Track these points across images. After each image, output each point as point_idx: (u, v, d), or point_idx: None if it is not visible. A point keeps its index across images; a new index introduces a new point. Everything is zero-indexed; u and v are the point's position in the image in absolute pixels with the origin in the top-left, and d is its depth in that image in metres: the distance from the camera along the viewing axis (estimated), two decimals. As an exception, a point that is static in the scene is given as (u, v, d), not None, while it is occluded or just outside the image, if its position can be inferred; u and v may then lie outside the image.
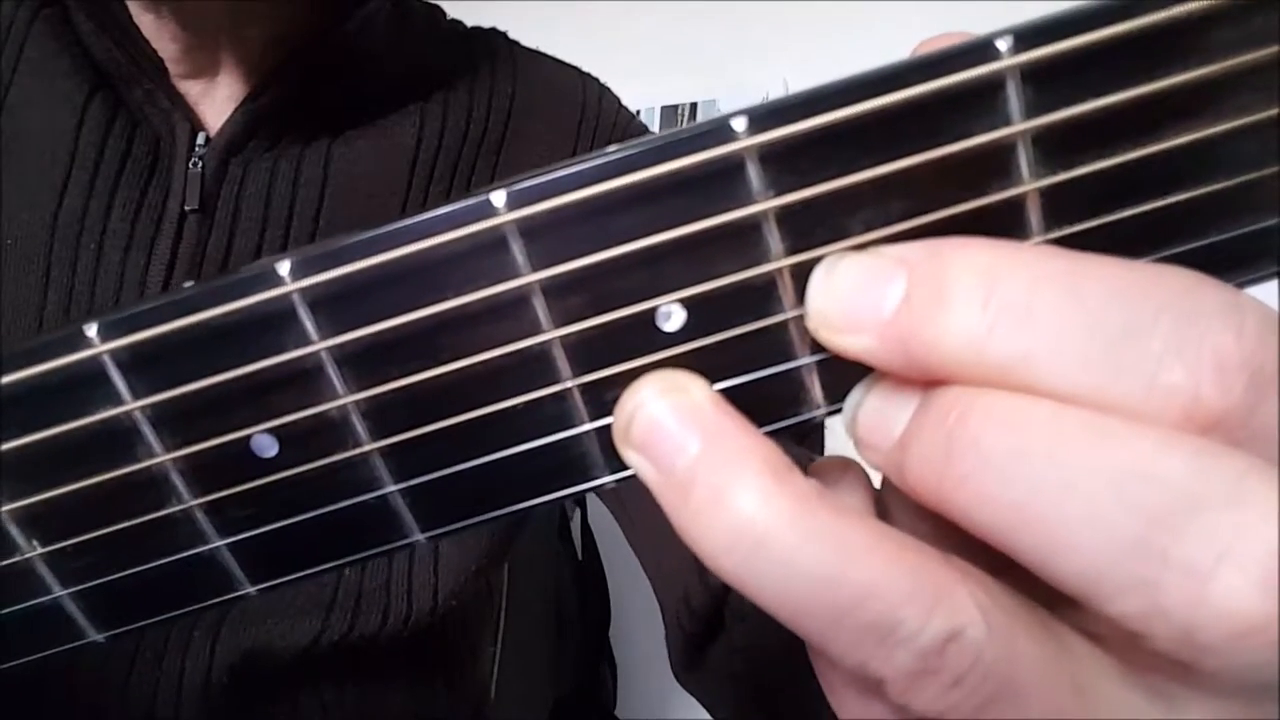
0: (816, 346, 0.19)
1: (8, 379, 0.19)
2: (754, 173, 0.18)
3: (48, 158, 0.47)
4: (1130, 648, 0.17)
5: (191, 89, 0.50)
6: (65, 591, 0.21)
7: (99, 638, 0.21)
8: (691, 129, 0.18)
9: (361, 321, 0.18)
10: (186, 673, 0.47)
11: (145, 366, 0.19)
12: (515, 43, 0.62)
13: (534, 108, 0.58)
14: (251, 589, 0.21)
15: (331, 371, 0.19)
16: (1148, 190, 0.18)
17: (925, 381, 0.18)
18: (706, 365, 0.19)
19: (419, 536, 0.20)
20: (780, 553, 0.17)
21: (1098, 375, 0.16)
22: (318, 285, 0.18)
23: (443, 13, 0.60)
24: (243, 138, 0.49)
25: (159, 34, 0.48)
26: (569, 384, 0.19)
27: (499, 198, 0.18)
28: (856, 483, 0.21)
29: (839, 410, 0.20)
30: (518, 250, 0.18)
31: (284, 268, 0.18)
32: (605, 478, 0.20)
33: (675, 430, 0.18)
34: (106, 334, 0.18)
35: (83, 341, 0.18)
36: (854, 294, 0.18)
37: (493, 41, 0.61)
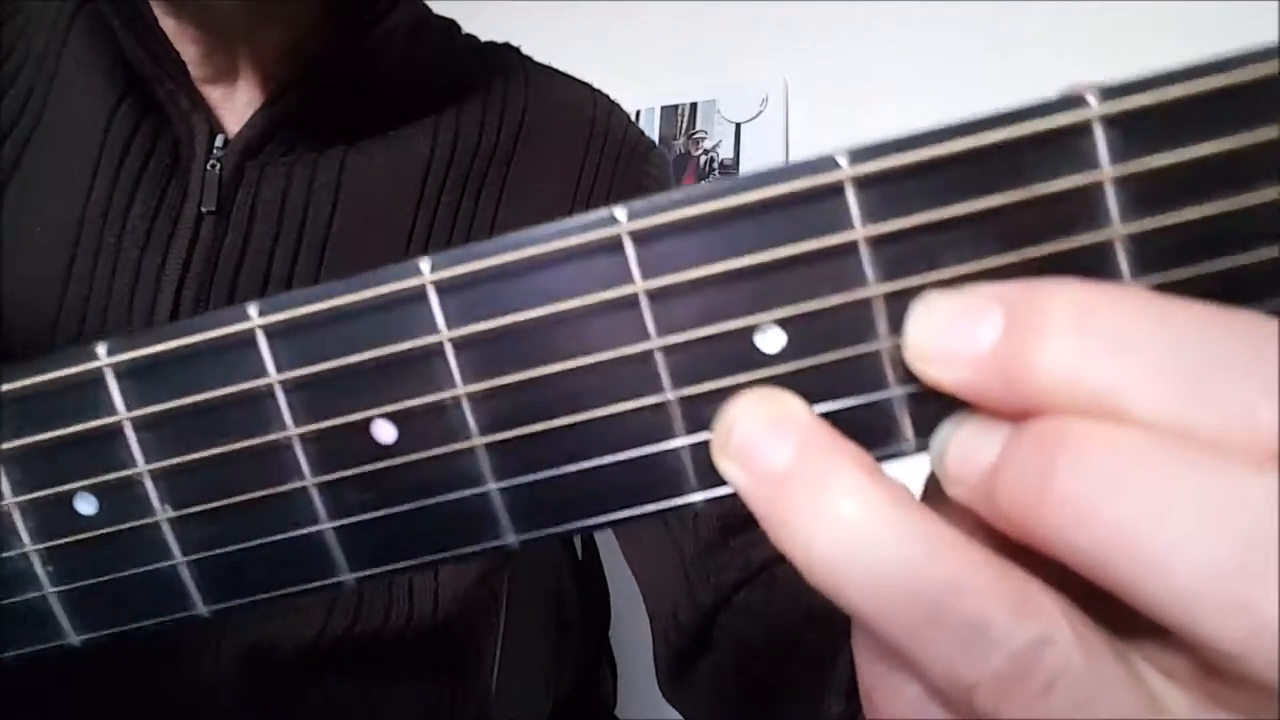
0: (909, 379, 0.20)
1: (169, 345, 0.21)
2: (853, 201, 0.19)
3: (79, 150, 0.49)
4: (1202, 682, 0.17)
5: (211, 93, 0.52)
6: (185, 559, 0.22)
7: (204, 611, 0.22)
8: (799, 162, 0.19)
9: (483, 315, 0.20)
10: (197, 668, 0.47)
11: (289, 339, 0.21)
12: (528, 58, 0.64)
13: (545, 124, 0.59)
14: (350, 576, 0.22)
15: (452, 361, 0.20)
16: (1237, 243, 0.18)
17: (1014, 417, 0.18)
18: (802, 389, 0.20)
19: (512, 539, 0.21)
20: (877, 552, 0.17)
21: (1189, 407, 0.16)
22: (452, 277, 0.20)
23: (458, 27, 0.62)
24: (260, 141, 0.50)
25: (180, 36, 0.50)
26: (669, 396, 0.20)
27: (621, 212, 0.20)
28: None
29: (925, 448, 0.20)
30: (631, 258, 0.20)
31: (425, 264, 0.20)
32: (696, 495, 0.21)
33: (771, 438, 0.19)
34: (264, 310, 0.21)
35: (242, 316, 0.21)
36: (951, 328, 0.19)
37: (506, 57, 0.62)
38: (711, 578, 0.53)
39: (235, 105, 0.52)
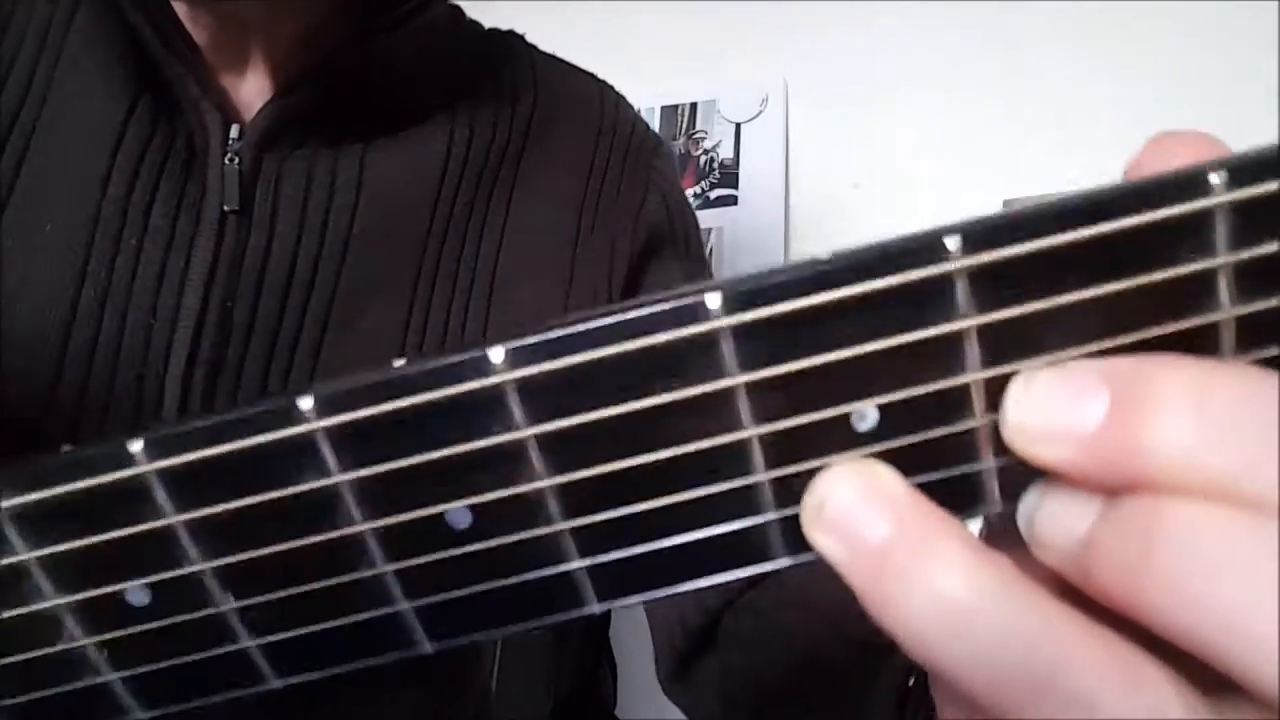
0: (1000, 450, 0.19)
1: (226, 448, 0.19)
2: (961, 291, 0.18)
3: (92, 143, 0.46)
4: None
5: (221, 82, 0.50)
6: (254, 643, 0.21)
7: (278, 684, 0.22)
8: (905, 241, 0.18)
9: (567, 410, 0.19)
10: None
11: (354, 442, 0.19)
12: (533, 47, 0.62)
13: (553, 118, 0.58)
14: (431, 647, 0.22)
15: (534, 455, 0.19)
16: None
17: (1109, 491, 0.18)
18: (894, 462, 0.20)
19: (595, 608, 0.21)
20: (983, 626, 0.18)
21: None
22: (529, 376, 0.19)
23: (461, 12, 0.59)
24: (275, 132, 0.48)
25: (192, 21, 0.48)
26: (761, 478, 0.20)
27: (714, 299, 0.18)
28: None
29: (1011, 511, 0.20)
30: (728, 351, 0.19)
31: (497, 355, 0.19)
32: (781, 560, 0.21)
33: (868, 510, 0.19)
34: (321, 410, 0.19)
35: (298, 415, 0.19)
36: (1055, 405, 0.18)
37: (511, 45, 0.61)
38: None
39: (245, 95, 0.50)
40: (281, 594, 0.21)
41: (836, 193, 1.39)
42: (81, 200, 0.45)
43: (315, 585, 0.21)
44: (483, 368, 0.19)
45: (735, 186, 1.43)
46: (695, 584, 0.21)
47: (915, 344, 0.19)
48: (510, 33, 0.62)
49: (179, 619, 0.21)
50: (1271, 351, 0.19)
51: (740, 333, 0.18)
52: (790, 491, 0.20)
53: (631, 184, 0.59)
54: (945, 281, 0.18)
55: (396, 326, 0.50)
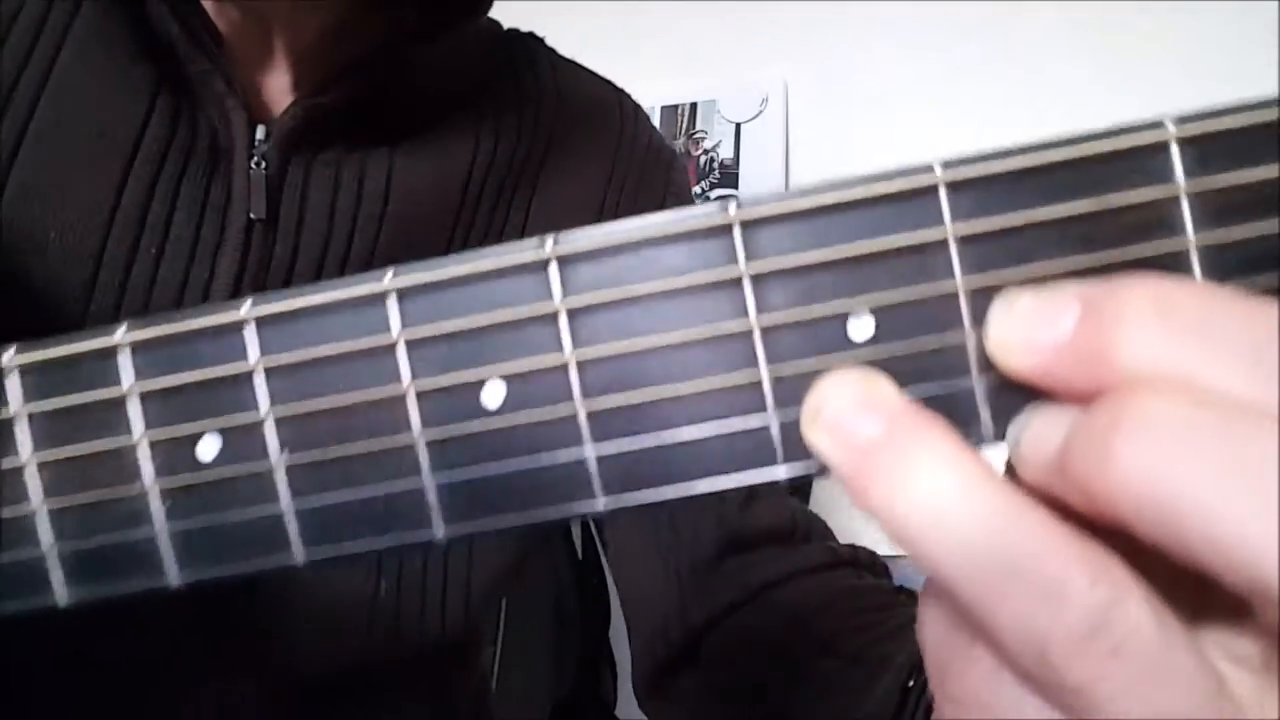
0: (990, 370, 0.21)
1: (310, 300, 0.23)
2: (945, 201, 0.21)
3: (105, 146, 0.44)
4: (1270, 670, 0.18)
5: (242, 76, 0.48)
6: (294, 507, 0.23)
7: (300, 561, 0.24)
8: (897, 168, 0.21)
9: (594, 285, 0.22)
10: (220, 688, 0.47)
11: (411, 305, 0.23)
12: (553, 51, 0.62)
13: (573, 126, 0.58)
14: (441, 533, 0.23)
15: (564, 329, 0.22)
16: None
17: (1083, 397, 0.19)
18: (888, 371, 0.21)
19: (601, 503, 0.22)
20: (963, 515, 0.19)
21: (1261, 386, 0.17)
22: (569, 252, 0.22)
23: None
24: (302, 134, 0.47)
25: (215, 13, 0.46)
26: (764, 374, 0.22)
27: (732, 204, 0.22)
28: None
29: (1002, 437, 0.21)
30: (739, 242, 0.22)
31: (549, 241, 0.22)
32: (781, 468, 0.22)
33: (862, 411, 0.20)
34: (396, 275, 0.23)
35: (376, 279, 0.23)
36: (1033, 319, 0.20)
37: (534, 49, 0.61)
38: (705, 597, 0.53)
39: (268, 95, 0.49)
40: (327, 453, 0.23)
41: (836, 193, 1.36)
42: (94, 206, 0.43)
43: (356, 447, 0.23)
44: (528, 248, 0.22)
45: (735, 186, 1.40)
46: (700, 484, 0.22)
47: (904, 251, 0.21)
48: (530, 35, 0.63)
49: (237, 474, 0.24)
50: (1244, 283, 0.20)
51: (747, 225, 0.22)
52: (790, 397, 0.22)
53: (648, 196, 0.60)
54: (929, 192, 0.21)
55: None
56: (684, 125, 1.51)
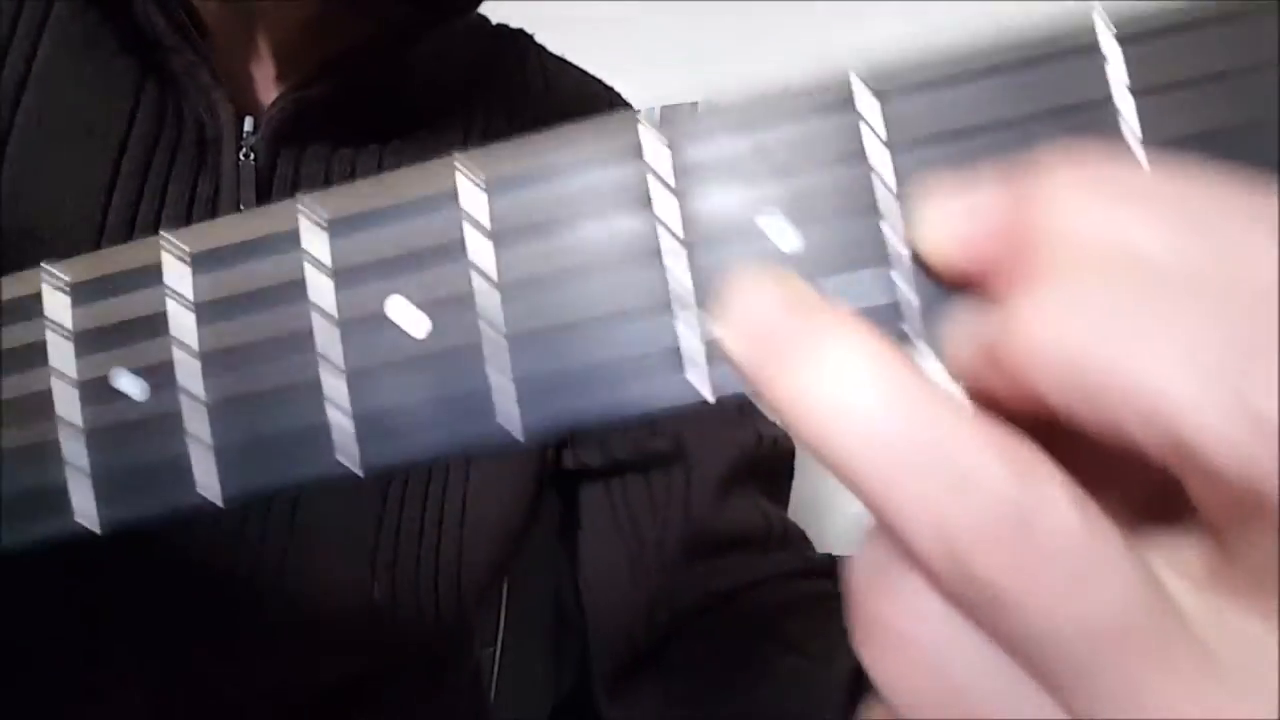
0: (919, 267, 0.20)
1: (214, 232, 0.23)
2: (859, 92, 0.20)
3: (94, 144, 0.44)
4: (1211, 578, 0.17)
5: (227, 69, 0.47)
6: (213, 445, 0.23)
7: (219, 501, 0.23)
8: (814, 81, 0.21)
9: (510, 198, 0.22)
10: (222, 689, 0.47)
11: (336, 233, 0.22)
12: (542, 48, 0.62)
13: (562, 123, 0.57)
14: (360, 470, 0.22)
15: (478, 247, 0.22)
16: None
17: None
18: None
19: (519, 435, 0.22)
20: (872, 399, 0.17)
21: (1194, 249, 0.16)
22: (485, 165, 0.22)
23: None
24: (290, 126, 0.46)
25: (200, 6, 0.46)
26: (679, 279, 0.21)
27: (647, 111, 0.21)
28: None
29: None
30: (649, 141, 0.21)
31: (459, 160, 0.22)
32: (701, 381, 0.21)
33: (770, 303, 0.19)
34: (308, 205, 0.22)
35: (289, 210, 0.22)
36: (957, 202, 0.19)
37: (523, 46, 0.61)
38: (672, 598, 0.52)
39: (253, 87, 0.49)
40: (243, 386, 0.23)
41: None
42: (85, 204, 0.43)
43: (272, 377, 0.22)
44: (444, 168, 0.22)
45: None
46: (619, 403, 0.21)
47: (825, 153, 0.20)
48: (520, 32, 0.62)
49: (154, 411, 0.23)
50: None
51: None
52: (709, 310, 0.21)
53: None
54: (847, 101, 0.20)
55: None
56: None
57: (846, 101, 0.20)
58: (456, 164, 0.22)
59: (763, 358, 0.19)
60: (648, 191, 0.21)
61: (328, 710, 0.51)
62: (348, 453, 0.22)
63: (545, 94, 0.59)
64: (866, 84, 0.20)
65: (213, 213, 0.45)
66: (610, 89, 0.65)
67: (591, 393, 0.21)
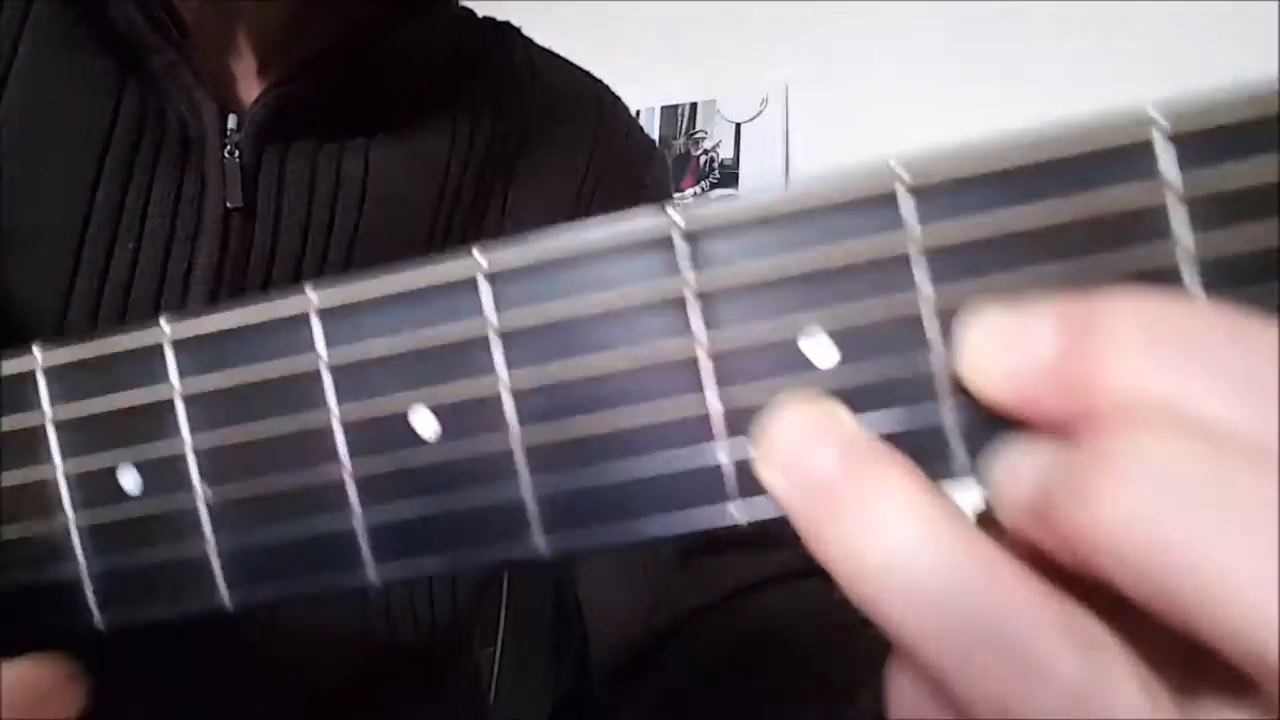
0: (963, 395, 0.19)
1: (218, 320, 0.21)
2: (907, 207, 0.19)
3: (76, 144, 0.43)
4: None
5: (208, 66, 0.46)
6: (217, 547, 0.22)
7: (229, 604, 0.22)
8: (853, 168, 0.19)
9: (529, 305, 0.20)
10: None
11: (341, 321, 0.21)
12: (530, 41, 0.61)
13: (550, 118, 0.57)
14: (374, 576, 0.21)
15: (497, 352, 0.20)
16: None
17: (1070, 435, 0.17)
18: (851, 403, 0.19)
19: (543, 546, 0.21)
20: (928, 567, 0.17)
21: (1260, 420, 0.15)
22: (505, 259, 0.20)
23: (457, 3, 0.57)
24: (274, 123, 0.46)
25: (179, 3, 0.45)
26: (712, 401, 0.20)
27: (674, 210, 0.20)
28: None
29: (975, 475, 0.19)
30: (682, 255, 0.20)
31: (476, 252, 0.21)
32: (737, 510, 0.20)
33: (816, 443, 0.18)
34: (319, 291, 0.21)
35: (299, 294, 0.21)
36: (1006, 339, 0.18)
37: (510, 39, 0.60)
38: (671, 598, 0.52)
39: (235, 84, 0.48)
40: (251, 489, 0.22)
41: (836, 192, 1.34)
42: (68, 207, 0.42)
43: (283, 482, 0.21)
44: (461, 259, 0.21)
45: (735, 186, 1.38)
46: (651, 526, 0.20)
47: (864, 264, 0.19)
48: (507, 24, 0.61)
49: (160, 509, 0.22)
50: (1243, 293, 0.18)
51: (692, 236, 0.20)
52: (744, 428, 0.20)
53: (626, 188, 0.58)
54: (888, 199, 0.19)
55: None
56: (684, 125, 1.51)
57: (887, 208, 0.19)
58: (475, 254, 0.21)
59: (809, 505, 0.18)
60: (684, 305, 0.20)
61: (327, 712, 0.51)
62: (361, 564, 0.21)
63: (533, 87, 0.58)
64: (906, 183, 0.19)
65: (199, 212, 0.44)
66: (599, 82, 0.63)
67: (619, 515, 0.20)
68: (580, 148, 0.58)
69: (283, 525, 0.22)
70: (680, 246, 0.20)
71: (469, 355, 0.21)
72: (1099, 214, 0.18)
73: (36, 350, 0.22)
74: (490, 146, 0.54)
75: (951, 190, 0.19)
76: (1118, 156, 0.18)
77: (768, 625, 0.48)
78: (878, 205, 0.19)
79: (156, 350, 0.22)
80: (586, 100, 0.61)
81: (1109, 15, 1.29)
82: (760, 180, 1.42)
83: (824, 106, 1.43)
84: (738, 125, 1.47)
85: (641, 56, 1.51)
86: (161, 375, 0.22)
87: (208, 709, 0.48)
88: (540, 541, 0.21)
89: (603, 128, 0.59)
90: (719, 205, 0.20)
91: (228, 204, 0.45)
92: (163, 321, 0.22)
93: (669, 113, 1.52)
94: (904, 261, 0.19)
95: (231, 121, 0.45)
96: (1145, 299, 0.17)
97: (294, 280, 0.45)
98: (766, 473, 0.19)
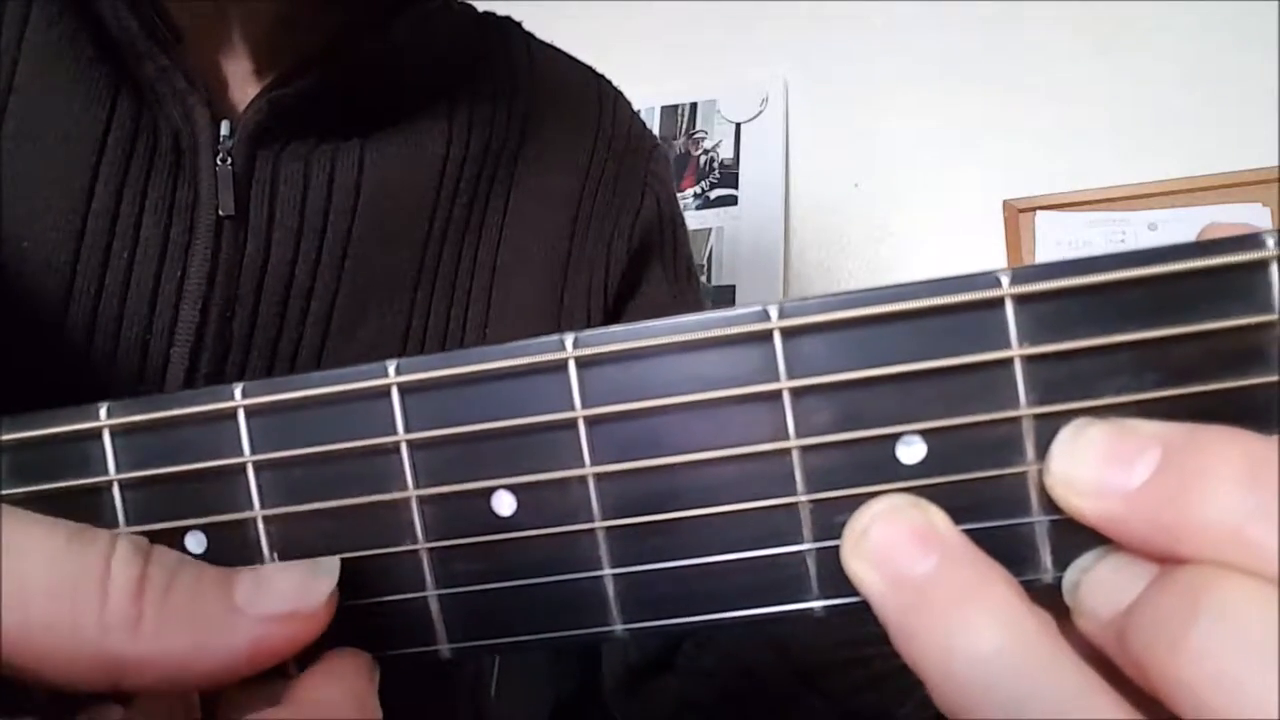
0: (1052, 507, 0.19)
1: (307, 392, 0.21)
2: (1011, 318, 0.19)
3: (71, 153, 0.42)
4: None
5: (202, 71, 0.45)
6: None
7: (294, 670, 0.22)
8: (958, 275, 0.19)
9: (620, 396, 0.20)
10: None
11: (421, 404, 0.21)
12: (530, 36, 0.60)
13: (551, 113, 0.56)
14: (446, 647, 0.21)
15: (583, 438, 0.20)
16: None
17: (1157, 560, 0.18)
18: (940, 504, 0.19)
19: (619, 628, 0.21)
20: (1018, 678, 0.17)
21: None
22: (591, 355, 0.20)
23: None
24: (267, 128, 0.45)
25: (172, 8, 0.44)
26: (801, 498, 0.20)
27: (773, 309, 0.19)
28: None
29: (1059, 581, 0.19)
30: (780, 353, 0.19)
31: (568, 340, 0.20)
32: (816, 602, 0.20)
33: (913, 544, 0.18)
34: (401, 369, 0.21)
35: (380, 372, 0.21)
36: (1105, 460, 0.18)
37: (508, 33, 0.59)
38: None
39: (230, 87, 0.47)
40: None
41: (836, 192, 1.34)
42: (64, 214, 0.42)
43: (356, 554, 0.21)
44: (551, 347, 0.20)
45: (735, 186, 1.38)
46: (725, 616, 0.20)
47: (963, 371, 0.19)
48: (507, 19, 0.60)
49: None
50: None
51: (789, 335, 0.19)
52: (830, 524, 0.20)
53: (628, 185, 0.58)
54: (993, 307, 0.19)
55: (396, 332, 0.48)
56: (684, 125, 1.50)
57: (990, 311, 0.19)
58: (567, 343, 0.20)
59: (902, 607, 0.18)
60: (782, 402, 0.20)
61: None
62: (435, 633, 0.21)
63: (532, 83, 0.56)
64: (1010, 293, 0.19)
65: (192, 220, 0.44)
66: (600, 76, 0.62)
67: (696, 598, 0.20)
68: (582, 145, 0.57)
69: (355, 594, 0.21)
70: (778, 343, 0.19)
71: (553, 442, 0.20)
72: (1204, 334, 0.18)
73: (102, 410, 0.22)
74: (490, 143, 0.53)
75: (1055, 302, 0.19)
76: (1228, 278, 0.18)
77: (780, 636, 0.49)
78: (979, 312, 0.19)
79: (229, 414, 0.21)
80: (588, 95, 0.60)
81: (1109, 15, 1.29)
82: (760, 180, 1.41)
83: (824, 106, 1.43)
84: (738, 125, 1.46)
85: (641, 56, 1.51)
86: (233, 442, 0.21)
87: (204, 707, 0.48)
88: (618, 624, 0.21)
89: (603, 123, 0.59)
90: (817, 302, 0.19)
91: (220, 212, 0.44)
92: (236, 390, 0.21)
93: (669, 113, 1.51)
94: (1004, 369, 0.19)
95: (224, 128, 0.45)
96: (1250, 439, 0.17)
97: (287, 287, 0.45)
98: (856, 566, 0.19)
